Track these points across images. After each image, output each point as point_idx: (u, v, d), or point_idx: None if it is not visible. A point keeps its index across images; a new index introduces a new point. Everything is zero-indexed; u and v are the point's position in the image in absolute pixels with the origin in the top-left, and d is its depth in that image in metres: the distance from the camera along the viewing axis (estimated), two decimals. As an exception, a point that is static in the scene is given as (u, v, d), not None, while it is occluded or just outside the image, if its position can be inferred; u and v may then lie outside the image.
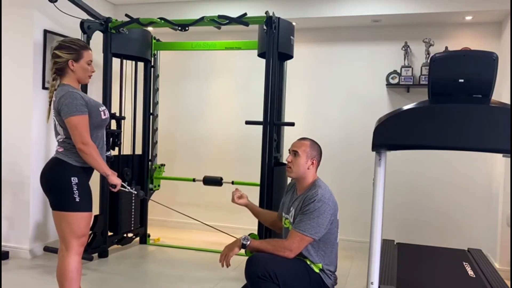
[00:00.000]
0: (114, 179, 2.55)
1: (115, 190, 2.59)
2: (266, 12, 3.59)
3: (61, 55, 2.49)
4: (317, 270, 2.44)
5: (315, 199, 2.38)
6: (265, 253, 2.37)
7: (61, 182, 2.44)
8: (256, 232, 3.69)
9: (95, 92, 4.21)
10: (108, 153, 3.63)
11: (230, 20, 3.66)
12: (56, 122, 2.52)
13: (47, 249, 3.86)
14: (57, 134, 2.55)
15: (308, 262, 2.44)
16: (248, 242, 2.39)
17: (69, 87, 2.48)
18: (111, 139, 3.80)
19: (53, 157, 2.54)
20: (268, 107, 3.64)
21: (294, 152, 2.53)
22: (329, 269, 2.48)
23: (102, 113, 2.56)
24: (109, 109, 3.95)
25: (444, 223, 4.43)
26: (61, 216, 2.45)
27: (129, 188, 2.69)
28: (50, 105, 2.58)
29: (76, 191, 2.42)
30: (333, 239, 2.49)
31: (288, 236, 2.44)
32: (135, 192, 2.85)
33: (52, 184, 2.48)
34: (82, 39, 3.84)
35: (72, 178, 2.43)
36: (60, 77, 2.53)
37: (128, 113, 4.27)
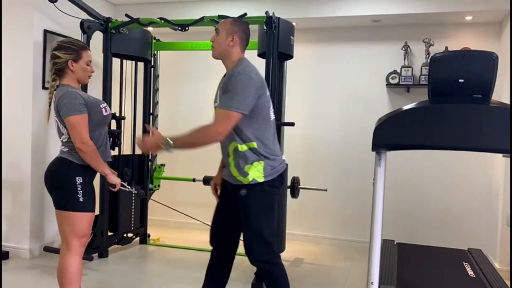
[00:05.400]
0: (113, 178, 2.54)
1: (115, 189, 2.59)
2: (266, 12, 3.59)
3: (60, 55, 2.49)
4: (245, 149, 2.31)
5: (236, 73, 2.25)
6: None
7: (65, 181, 2.44)
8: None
9: (95, 93, 4.20)
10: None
11: (230, 20, 3.66)
12: (59, 123, 2.52)
13: (47, 249, 3.86)
14: (60, 134, 2.55)
15: (236, 146, 2.32)
16: (171, 143, 2.16)
17: (68, 87, 2.49)
18: (111, 139, 3.80)
19: (58, 157, 2.54)
20: (268, 107, 3.63)
21: (216, 30, 2.44)
22: (267, 151, 2.30)
23: (103, 109, 2.57)
24: (109, 109, 3.94)
25: (444, 223, 4.43)
26: (64, 216, 2.45)
27: (129, 187, 2.70)
28: (50, 105, 2.59)
29: (80, 191, 2.43)
30: (266, 115, 2.33)
31: (213, 118, 2.25)
32: (135, 192, 2.86)
33: (57, 184, 2.48)
34: (82, 40, 3.85)
35: (77, 178, 2.44)
36: (59, 77, 2.54)
37: (128, 113, 4.27)
